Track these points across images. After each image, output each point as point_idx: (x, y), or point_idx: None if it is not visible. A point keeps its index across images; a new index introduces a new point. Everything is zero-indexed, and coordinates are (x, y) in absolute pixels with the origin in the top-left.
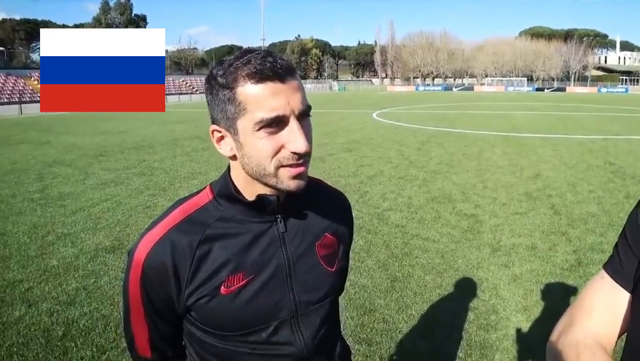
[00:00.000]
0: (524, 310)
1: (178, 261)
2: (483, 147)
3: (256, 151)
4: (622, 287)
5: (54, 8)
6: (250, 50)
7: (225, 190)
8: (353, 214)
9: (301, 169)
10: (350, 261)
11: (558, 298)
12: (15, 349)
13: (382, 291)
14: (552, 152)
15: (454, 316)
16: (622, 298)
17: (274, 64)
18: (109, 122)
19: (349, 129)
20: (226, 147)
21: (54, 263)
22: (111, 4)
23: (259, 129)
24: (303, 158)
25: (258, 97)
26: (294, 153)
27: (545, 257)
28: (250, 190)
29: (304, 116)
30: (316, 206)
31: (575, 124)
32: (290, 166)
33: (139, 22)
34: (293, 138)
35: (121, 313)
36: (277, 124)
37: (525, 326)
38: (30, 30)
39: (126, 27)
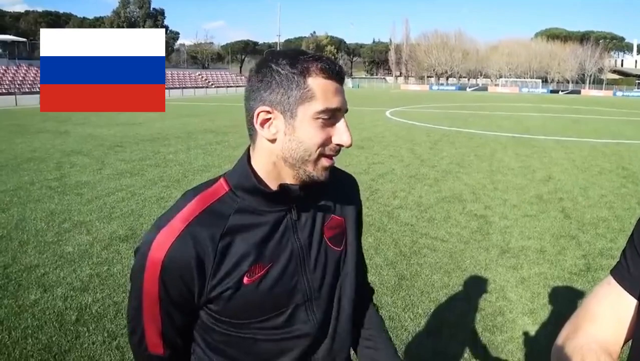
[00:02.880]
0: (531, 313)
1: (202, 255)
2: (495, 148)
3: (308, 137)
4: (629, 293)
5: (75, 1)
6: (304, 50)
7: (246, 182)
8: (362, 201)
9: (333, 162)
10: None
11: (565, 302)
12: (30, 331)
13: (390, 288)
14: (564, 155)
15: (460, 316)
16: (628, 304)
17: (340, 68)
18: (124, 115)
19: (361, 127)
20: (271, 130)
21: (69, 250)
22: None
23: (317, 118)
24: (338, 153)
25: (326, 90)
26: (338, 145)
27: (554, 260)
28: (273, 178)
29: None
30: (324, 190)
31: (589, 128)
32: (329, 157)
33: (157, 15)
34: (342, 132)
35: (128, 314)
36: (332, 117)
37: (532, 329)
38: (52, 22)
39: (144, 21)
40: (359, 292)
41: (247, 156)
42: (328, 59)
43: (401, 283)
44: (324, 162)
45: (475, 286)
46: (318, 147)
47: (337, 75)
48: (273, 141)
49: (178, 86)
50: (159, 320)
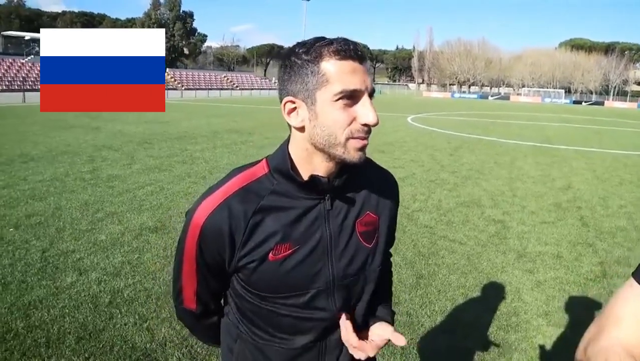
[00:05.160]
0: (545, 315)
1: (234, 227)
2: (515, 156)
3: (331, 120)
4: None
5: (109, 2)
6: (324, 37)
7: (283, 166)
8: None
9: (365, 142)
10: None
11: (580, 306)
12: (67, 311)
13: (407, 286)
14: (585, 165)
15: (475, 315)
16: None
17: (356, 47)
18: (152, 113)
19: (383, 132)
20: (297, 118)
21: (102, 238)
22: (161, 0)
23: (337, 100)
24: (369, 133)
25: (341, 71)
26: (364, 125)
27: (570, 266)
28: (306, 165)
29: (372, 95)
30: (362, 185)
31: (611, 139)
32: (359, 138)
33: (186, 18)
34: (365, 112)
35: (173, 268)
36: (353, 97)
37: (545, 330)
38: (87, 22)
39: (174, 23)
40: (382, 275)
41: (287, 141)
42: (343, 39)
43: (419, 281)
44: (355, 143)
45: (491, 287)
46: (344, 130)
47: (353, 54)
48: (302, 129)
49: (204, 87)
50: (195, 279)
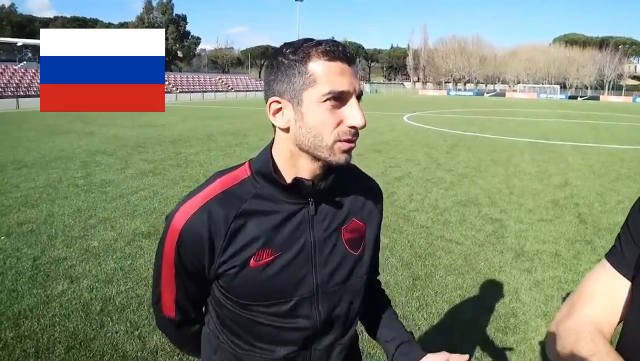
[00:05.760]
0: (544, 315)
1: (214, 232)
2: (512, 153)
3: (318, 122)
4: (623, 275)
5: (101, 7)
6: (312, 38)
7: (265, 169)
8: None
9: (352, 145)
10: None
11: None
12: (57, 320)
13: (404, 288)
14: (582, 161)
15: (473, 317)
16: (622, 286)
17: (344, 49)
18: (146, 116)
19: (378, 131)
20: (283, 119)
21: (94, 244)
22: (154, 3)
23: (324, 101)
24: (356, 136)
25: (329, 72)
26: (351, 128)
27: (569, 265)
28: (290, 167)
29: (359, 97)
30: (347, 191)
31: (608, 134)
32: (345, 140)
33: (179, 21)
34: (353, 114)
35: (152, 274)
36: (341, 99)
37: (544, 332)
38: (79, 27)
39: (167, 26)
40: (370, 287)
41: (271, 144)
42: (331, 41)
43: (415, 283)
44: (341, 146)
45: (489, 288)
46: (331, 132)
47: (342, 55)
48: (287, 130)
49: (199, 89)
50: (174, 286)
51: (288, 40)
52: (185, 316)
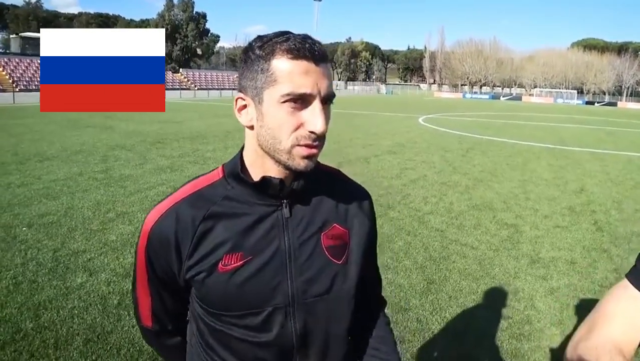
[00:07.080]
0: (559, 324)
1: (180, 234)
2: (528, 158)
3: (276, 123)
4: None
5: (124, 4)
6: (290, 32)
7: (234, 169)
8: (375, 211)
9: (314, 151)
10: (388, 261)
11: None
12: (76, 312)
13: (418, 292)
14: (599, 168)
15: (487, 322)
16: None
17: (312, 46)
18: (165, 113)
19: (394, 132)
20: (247, 117)
21: (113, 238)
22: (175, 1)
23: (284, 102)
24: (318, 140)
25: (291, 72)
26: (311, 133)
27: (584, 273)
28: (257, 167)
29: (327, 101)
30: (327, 195)
31: (626, 140)
32: (305, 145)
33: (199, 19)
34: (313, 118)
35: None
36: (302, 101)
37: (559, 340)
38: (102, 23)
39: (187, 24)
40: (363, 307)
41: (243, 145)
42: (298, 37)
43: (430, 286)
44: (300, 151)
45: (504, 294)
46: (289, 135)
47: (308, 54)
48: (251, 128)
49: (217, 87)
50: (148, 293)
51: None
52: (163, 327)
